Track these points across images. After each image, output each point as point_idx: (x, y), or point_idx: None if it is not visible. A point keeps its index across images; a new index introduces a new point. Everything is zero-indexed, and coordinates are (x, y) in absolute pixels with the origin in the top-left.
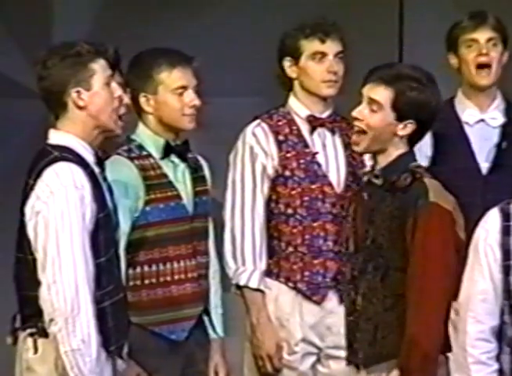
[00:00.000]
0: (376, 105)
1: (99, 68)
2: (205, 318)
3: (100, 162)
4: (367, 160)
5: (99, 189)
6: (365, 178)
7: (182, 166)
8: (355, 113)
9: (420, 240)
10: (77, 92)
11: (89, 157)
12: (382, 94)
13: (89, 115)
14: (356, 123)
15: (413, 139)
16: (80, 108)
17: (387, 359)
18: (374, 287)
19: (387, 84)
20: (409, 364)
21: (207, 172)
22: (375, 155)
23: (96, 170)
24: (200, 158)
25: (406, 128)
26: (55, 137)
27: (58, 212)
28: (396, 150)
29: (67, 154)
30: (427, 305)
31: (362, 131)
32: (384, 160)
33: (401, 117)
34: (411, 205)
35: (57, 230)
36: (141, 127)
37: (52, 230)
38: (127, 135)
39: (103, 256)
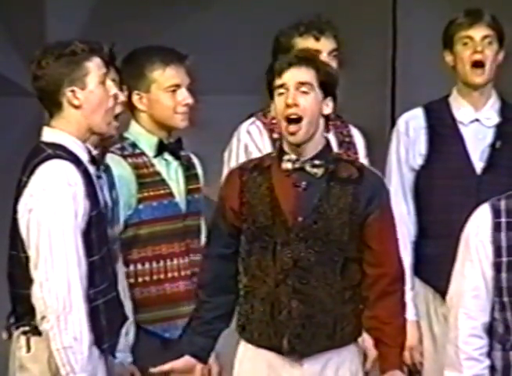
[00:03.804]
0: (306, 86)
1: (94, 67)
2: None
3: (94, 160)
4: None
5: (92, 187)
6: (288, 166)
7: (174, 164)
8: (290, 101)
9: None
10: (72, 91)
11: (83, 155)
12: (308, 74)
13: (84, 115)
14: (291, 111)
15: (328, 120)
16: (75, 107)
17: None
18: (333, 279)
19: (308, 65)
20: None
21: (199, 170)
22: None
23: (90, 168)
24: (192, 156)
25: (329, 106)
26: (49, 135)
27: (50, 210)
28: (321, 136)
29: (61, 152)
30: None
31: (298, 119)
32: (312, 149)
33: (325, 95)
34: (373, 198)
35: (49, 228)
36: (134, 125)
37: (44, 228)
38: (120, 133)
39: (97, 254)
